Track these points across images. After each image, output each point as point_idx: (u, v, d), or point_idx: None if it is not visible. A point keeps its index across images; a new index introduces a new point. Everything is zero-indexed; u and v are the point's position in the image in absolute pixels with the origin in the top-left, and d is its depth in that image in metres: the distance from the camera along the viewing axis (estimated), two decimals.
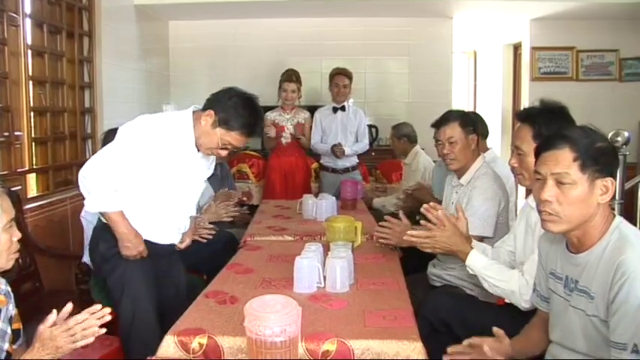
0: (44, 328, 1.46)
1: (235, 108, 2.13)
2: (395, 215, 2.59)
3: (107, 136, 2.87)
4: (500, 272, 1.95)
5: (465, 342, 1.64)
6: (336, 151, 4.37)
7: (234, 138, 2.16)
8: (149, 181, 2.16)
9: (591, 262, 1.45)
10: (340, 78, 4.43)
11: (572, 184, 1.43)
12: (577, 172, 1.43)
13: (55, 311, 1.48)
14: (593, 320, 1.43)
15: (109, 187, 2.08)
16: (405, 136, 4.22)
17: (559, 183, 1.45)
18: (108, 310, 1.53)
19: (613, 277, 1.36)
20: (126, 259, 2.18)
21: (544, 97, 1.99)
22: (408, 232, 2.10)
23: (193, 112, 2.21)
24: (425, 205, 2.08)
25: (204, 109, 2.17)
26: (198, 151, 2.22)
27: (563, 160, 1.44)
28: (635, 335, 1.31)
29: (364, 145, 4.54)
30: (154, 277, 2.25)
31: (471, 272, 2.01)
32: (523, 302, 1.87)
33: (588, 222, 1.46)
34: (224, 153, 2.22)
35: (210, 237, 2.74)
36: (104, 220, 2.20)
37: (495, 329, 1.61)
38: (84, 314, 1.50)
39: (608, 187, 1.45)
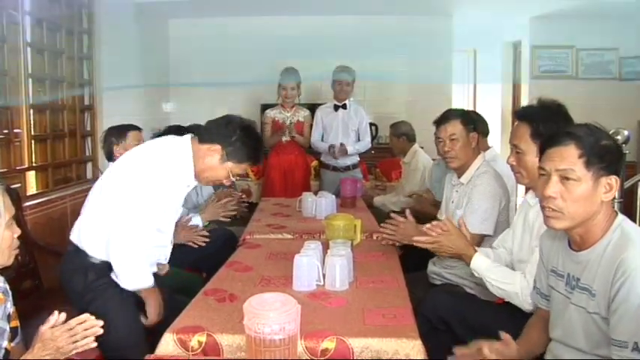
0: (45, 328, 1.45)
1: (242, 141, 2.11)
2: (397, 213, 2.59)
3: (108, 135, 2.88)
4: (503, 274, 1.95)
5: (472, 344, 1.62)
6: (334, 151, 4.36)
7: (243, 168, 2.18)
8: (143, 217, 2.05)
9: (593, 259, 1.45)
10: (343, 76, 4.43)
11: (576, 181, 1.43)
12: (582, 169, 1.43)
13: (56, 312, 1.48)
14: (595, 318, 1.43)
15: (144, 260, 2.03)
16: (403, 134, 4.23)
17: (564, 179, 1.45)
18: (100, 322, 1.52)
19: (614, 275, 1.37)
20: (106, 290, 2.04)
21: (543, 95, 1.99)
22: (414, 238, 2.11)
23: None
24: (427, 226, 2.10)
25: (204, 141, 2.11)
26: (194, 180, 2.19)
27: (569, 156, 1.44)
28: (636, 333, 1.31)
29: (366, 143, 4.54)
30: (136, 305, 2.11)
31: (476, 275, 2.01)
32: (526, 304, 1.86)
33: (591, 219, 1.46)
34: (229, 182, 2.22)
35: (204, 244, 2.74)
36: (92, 257, 2.07)
37: (503, 333, 1.59)
38: (85, 315, 1.50)
39: (612, 185, 1.45)
